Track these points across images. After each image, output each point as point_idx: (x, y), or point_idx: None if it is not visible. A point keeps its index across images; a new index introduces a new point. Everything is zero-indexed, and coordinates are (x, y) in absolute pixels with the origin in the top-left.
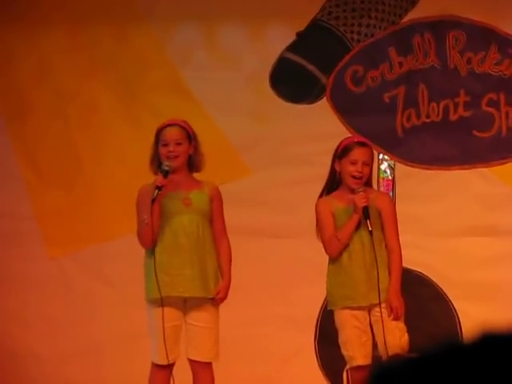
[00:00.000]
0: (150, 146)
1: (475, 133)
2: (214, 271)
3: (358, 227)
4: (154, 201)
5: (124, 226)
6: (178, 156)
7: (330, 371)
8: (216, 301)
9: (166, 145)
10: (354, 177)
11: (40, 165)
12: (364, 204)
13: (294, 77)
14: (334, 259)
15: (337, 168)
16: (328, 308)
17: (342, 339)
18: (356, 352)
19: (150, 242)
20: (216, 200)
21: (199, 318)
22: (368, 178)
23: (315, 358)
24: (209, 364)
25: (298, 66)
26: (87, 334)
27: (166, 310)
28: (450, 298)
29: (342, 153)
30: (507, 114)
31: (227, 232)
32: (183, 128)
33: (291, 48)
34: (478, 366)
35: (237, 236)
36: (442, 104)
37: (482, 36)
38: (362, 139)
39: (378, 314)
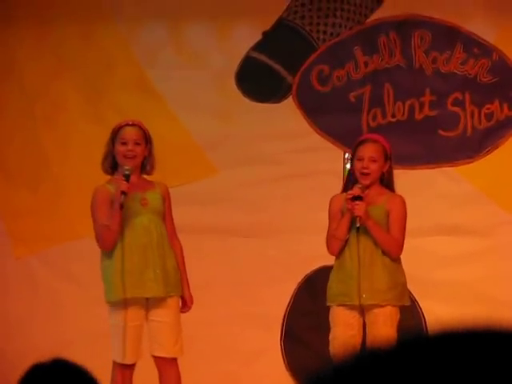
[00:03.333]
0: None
1: (441, 132)
2: (174, 269)
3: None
4: (122, 207)
5: (91, 225)
6: (136, 156)
7: (297, 370)
8: (184, 308)
9: (124, 143)
10: (361, 173)
11: (6, 163)
12: (357, 214)
13: (259, 76)
14: (338, 256)
15: (352, 166)
16: (327, 304)
17: (331, 336)
18: (343, 351)
19: (112, 245)
20: (167, 199)
21: (162, 315)
22: (384, 177)
23: (281, 358)
24: (174, 360)
25: (263, 65)
26: (54, 333)
27: (130, 310)
28: (416, 298)
29: (353, 151)
30: (472, 113)
31: (194, 231)
32: (141, 129)
33: (257, 47)
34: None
35: (203, 235)
36: (407, 103)
37: (447, 35)
38: (373, 136)
39: (369, 317)
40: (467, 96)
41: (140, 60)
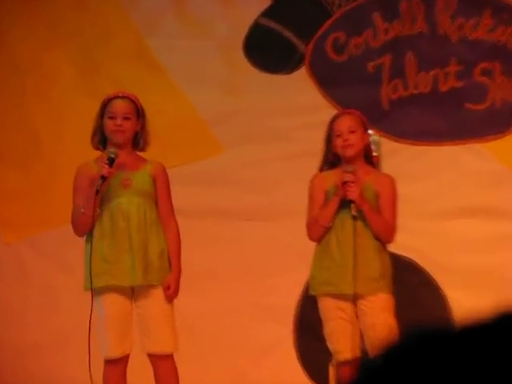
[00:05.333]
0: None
1: (467, 105)
2: (160, 257)
3: (343, 209)
4: (97, 192)
5: None
6: (125, 131)
7: (311, 365)
8: (167, 298)
9: (112, 118)
10: (343, 147)
11: None
12: (351, 197)
13: (269, 45)
14: (321, 242)
15: (329, 143)
16: (309, 293)
17: (326, 331)
18: (342, 345)
19: (84, 231)
20: (160, 179)
21: (146, 305)
22: (367, 153)
23: (294, 351)
24: (168, 356)
25: (273, 32)
26: (48, 324)
27: (109, 298)
28: (441, 285)
29: (329, 129)
30: (502, 84)
31: (198, 215)
32: (133, 102)
33: (266, 13)
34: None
35: (208, 219)
36: (431, 74)
37: (475, 0)
38: (346, 109)
39: (364, 307)
40: (496, 65)
41: (139, 28)
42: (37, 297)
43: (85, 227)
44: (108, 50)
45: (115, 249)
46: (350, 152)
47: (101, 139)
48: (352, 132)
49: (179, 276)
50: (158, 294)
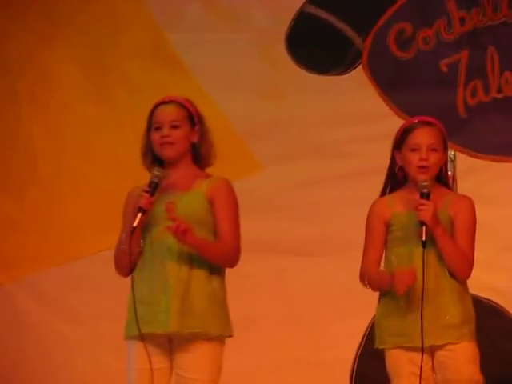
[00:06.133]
0: (126, 133)
1: None
2: (207, 298)
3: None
4: (134, 230)
5: (93, 242)
6: (174, 143)
7: None
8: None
9: (158, 128)
10: (420, 167)
11: None
12: (423, 218)
13: (318, 39)
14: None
15: (398, 160)
16: (376, 346)
17: None
18: None
19: (124, 270)
20: (220, 199)
21: (184, 366)
22: (441, 172)
23: None
24: None
25: (323, 23)
26: (45, 379)
27: (135, 350)
28: None
29: (401, 138)
30: None
31: None
32: (182, 106)
33: (314, 0)
34: None
35: (244, 254)
36: None
37: None
38: (427, 118)
39: (444, 358)
40: None
41: (158, 21)
42: (33, 351)
43: (122, 264)
44: (119, 47)
45: (149, 288)
46: (426, 176)
47: (154, 159)
48: (433, 150)
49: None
50: (198, 349)
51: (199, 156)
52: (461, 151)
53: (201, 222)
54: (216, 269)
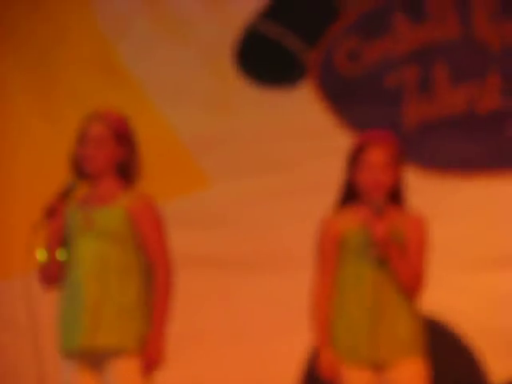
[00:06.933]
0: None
1: (510, 130)
2: (128, 311)
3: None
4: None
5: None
6: (95, 161)
7: None
8: (146, 367)
9: (83, 144)
10: (371, 184)
11: None
12: (375, 236)
13: (266, 53)
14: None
15: (350, 176)
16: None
17: None
18: None
19: (47, 280)
20: (142, 216)
21: (110, 380)
22: (394, 189)
23: None
24: None
25: (272, 37)
26: None
27: (74, 367)
28: (481, 351)
29: (354, 154)
30: None
31: (178, 263)
32: (110, 123)
33: (263, 14)
34: None
35: (191, 269)
36: (466, 90)
37: None
38: (381, 134)
39: (390, 377)
40: None
41: (106, 33)
42: None
43: (45, 275)
44: (67, 59)
45: (74, 304)
46: (380, 193)
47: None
48: (386, 167)
49: (160, 338)
50: (120, 363)
51: (124, 173)
52: (407, 168)
53: (121, 236)
54: (132, 281)
